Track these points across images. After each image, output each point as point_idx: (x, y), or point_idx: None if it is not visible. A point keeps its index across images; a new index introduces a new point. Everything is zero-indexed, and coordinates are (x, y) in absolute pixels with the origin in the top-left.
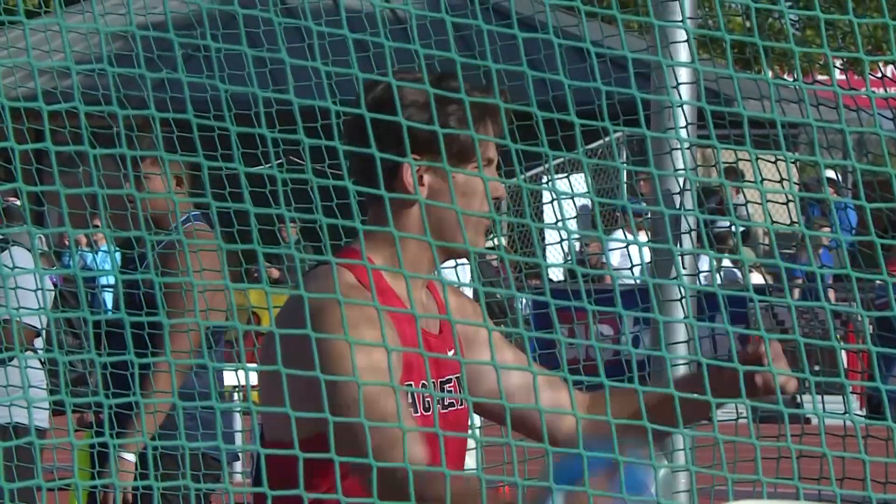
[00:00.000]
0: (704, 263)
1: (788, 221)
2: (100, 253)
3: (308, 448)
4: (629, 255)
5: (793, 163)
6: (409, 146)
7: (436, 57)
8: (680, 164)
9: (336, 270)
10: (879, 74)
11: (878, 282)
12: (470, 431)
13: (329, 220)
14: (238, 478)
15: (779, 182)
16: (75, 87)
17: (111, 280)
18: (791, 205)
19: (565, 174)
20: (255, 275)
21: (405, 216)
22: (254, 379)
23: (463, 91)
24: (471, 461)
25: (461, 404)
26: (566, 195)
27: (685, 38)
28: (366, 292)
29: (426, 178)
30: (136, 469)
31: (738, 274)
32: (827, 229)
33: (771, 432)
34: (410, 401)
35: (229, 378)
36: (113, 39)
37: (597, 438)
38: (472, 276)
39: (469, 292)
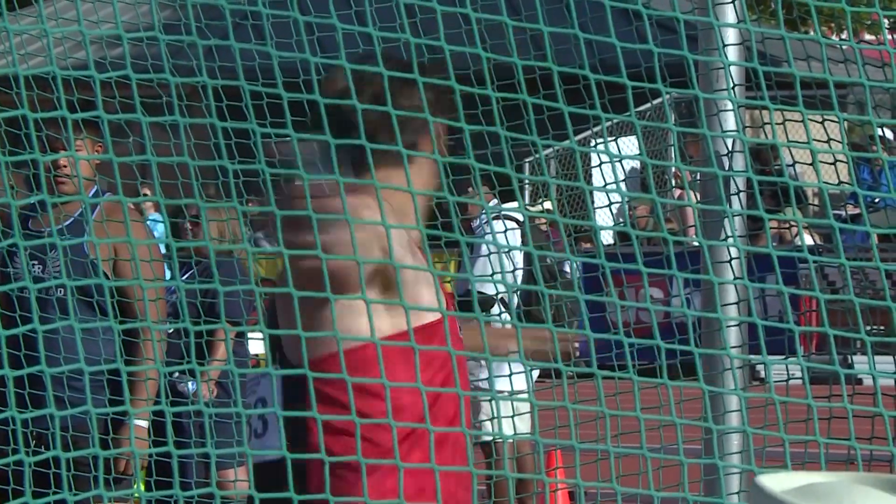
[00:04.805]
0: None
1: (837, 181)
2: (149, 221)
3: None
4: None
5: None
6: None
7: (484, 21)
8: (727, 126)
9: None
10: None
11: None
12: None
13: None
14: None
15: (826, 142)
16: (126, 55)
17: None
18: (839, 165)
19: (613, 137)
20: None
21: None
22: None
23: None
24: (523, 426)
25: None
26: (616, 157)
27: None
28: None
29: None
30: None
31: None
32: None
33: (821, 393)
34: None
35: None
36: (161, 8)
37: None
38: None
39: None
